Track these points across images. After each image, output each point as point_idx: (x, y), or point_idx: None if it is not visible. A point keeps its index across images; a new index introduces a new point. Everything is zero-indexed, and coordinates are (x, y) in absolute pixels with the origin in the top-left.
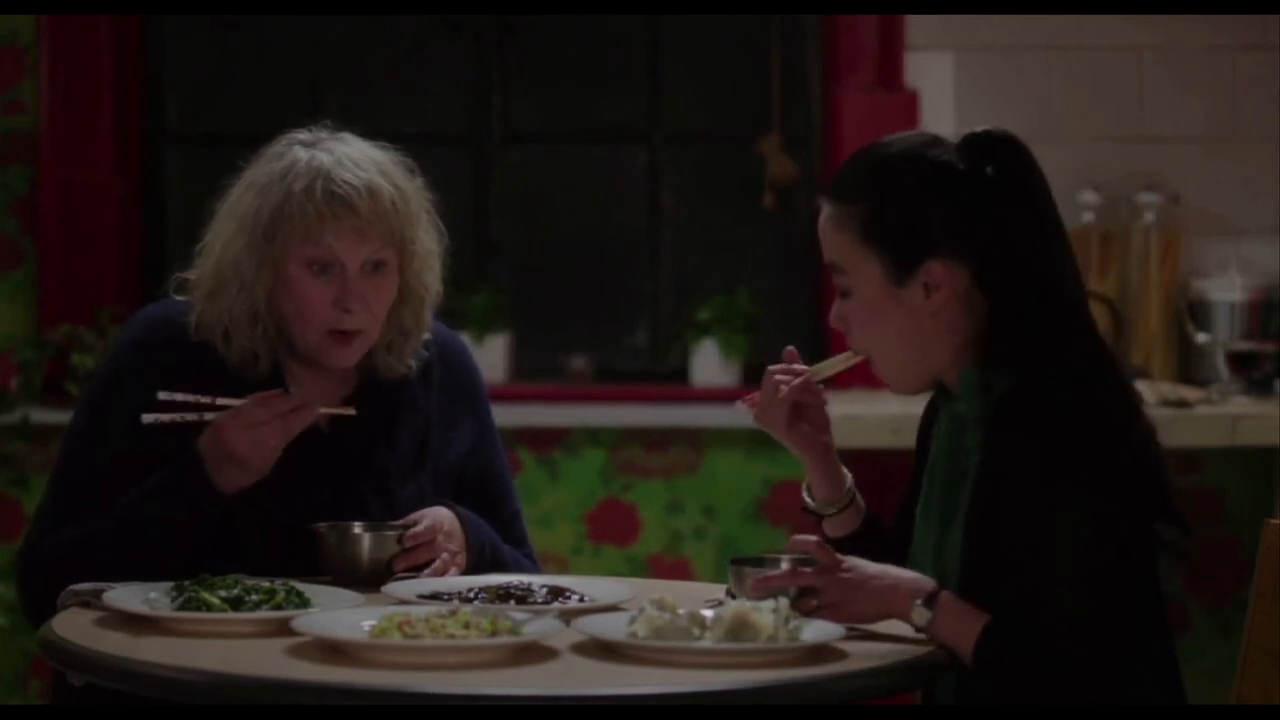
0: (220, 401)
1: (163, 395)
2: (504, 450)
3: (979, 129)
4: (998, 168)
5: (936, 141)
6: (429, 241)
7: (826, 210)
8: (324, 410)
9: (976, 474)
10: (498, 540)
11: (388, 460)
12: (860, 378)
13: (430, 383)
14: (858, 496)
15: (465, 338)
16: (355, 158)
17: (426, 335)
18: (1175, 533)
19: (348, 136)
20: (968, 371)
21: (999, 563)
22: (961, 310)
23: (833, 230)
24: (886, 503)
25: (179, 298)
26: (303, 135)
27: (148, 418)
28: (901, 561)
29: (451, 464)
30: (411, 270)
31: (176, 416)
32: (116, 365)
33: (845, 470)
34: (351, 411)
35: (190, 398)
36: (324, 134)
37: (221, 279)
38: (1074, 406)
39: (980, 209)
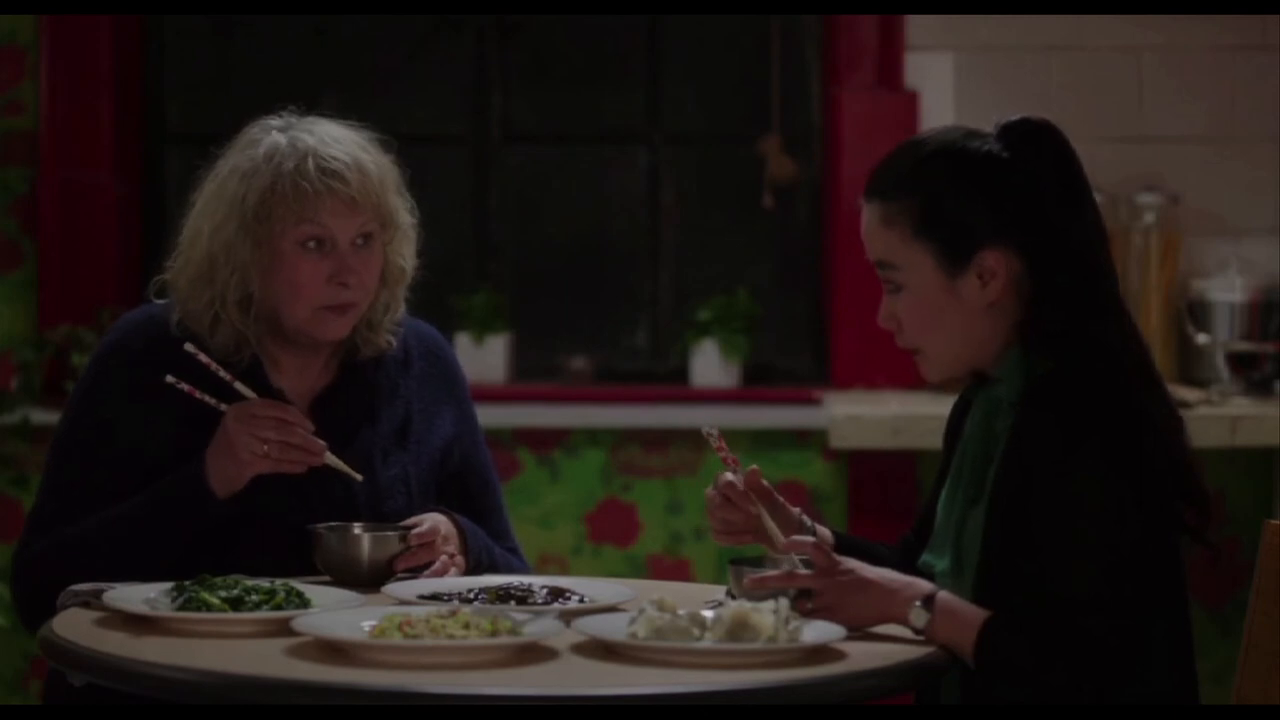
0: (238, 385)
1: (170, 379)
2: (486, 445)
3: (1014, 117)
4: (1040, 155)
5: (974, 134)
6: (406, 215)
7: (872, 209)
8: (330, 463)
9: (1003, 452)
10: (494, 547)
11: (370, 439)
12: (860, 377)
13: (410, 370)
14: (817, 527)
15: (465, 338)
16: (336, 135)
17: (401, 313)
18: (1199, 519)
19: (318, 119)
20: (1010, 353)
21: (1019, 542)
22: (1012, 297)
23: (882, 228)
24: (886, 502)
25: (159, 300)
26: (274, 121)
27: (170, 379)
28: (916, 557)
29: (434, 449)
30: (392, 246)
31: (195, 391)
32: (99, 369)
33: (795, 511)
34: (358, 477)
35: (211, 362)
36: (294, 118)
37: (213, 264)
38: (1103, 392)
39: (1028, 197)
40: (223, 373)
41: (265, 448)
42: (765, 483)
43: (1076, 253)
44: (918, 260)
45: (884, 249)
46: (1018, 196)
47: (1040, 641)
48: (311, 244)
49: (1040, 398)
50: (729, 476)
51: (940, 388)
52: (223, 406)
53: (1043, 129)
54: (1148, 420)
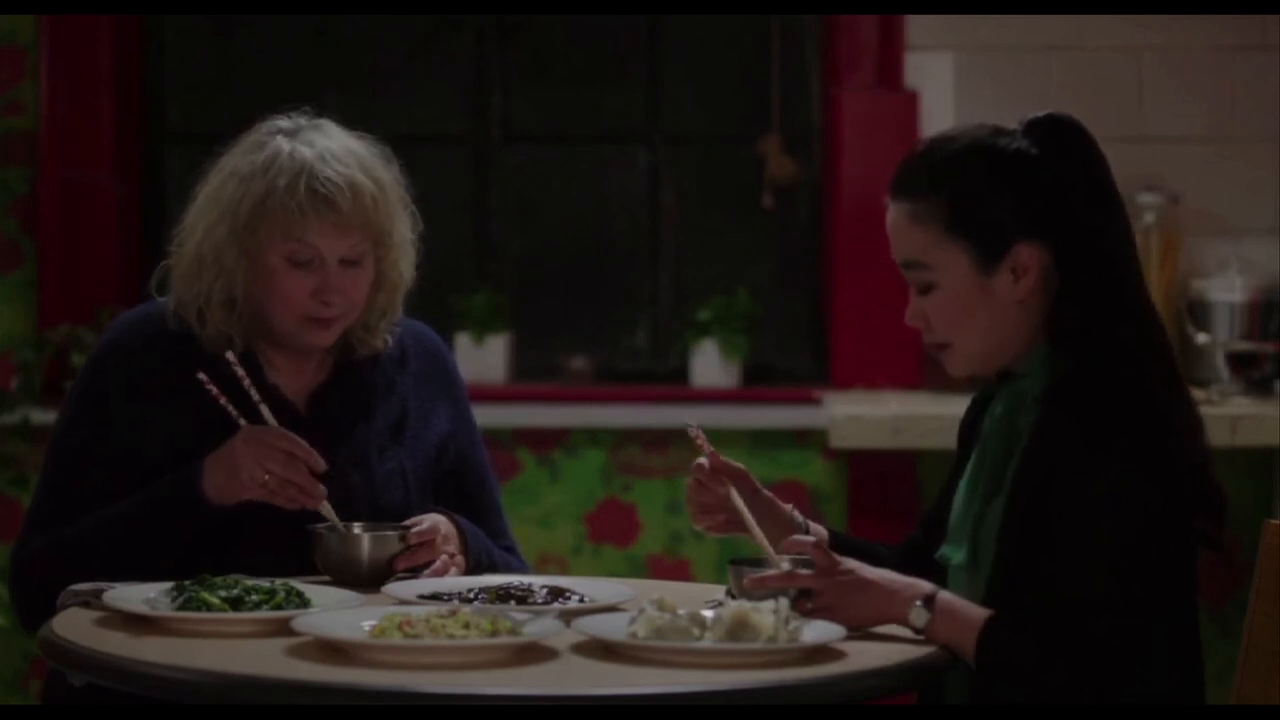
0: (263, 408)
1: (201, 376)
2: (484, 445)
3: (1040, 114)
4: (1068, 152)
5: (1000, 130)
6: (405, 230)
7: (900, 208)
8: (323, 512)
9: (1024, 448)
10: (493, 547)
11: (366, 435)
12: (860, 377)
13: (407, 367)
14: (811, 525)
15: (465, 338)
16: (336, 151)
17: (399, 317)
18: (1213, 526)
19: (326, 125)
20: (1037, 350)
21: (1037, 538)
22: (1041, 293)
23: (911, 226)
24: (886, 502)
25: (159, 298)
26: (283, 123)
27: (201, 376)
28: (922, 555)
29: (429, 444)
30: (389, 260)
31: (222, 396)
32: (96, 368)
33: (787, 507)
34: (341, 527)
35: (245, 377)
36: (303, 121)
37: (201, 262)
38: (1128, 393)
39: (1056, 193)
40: (254, 392)
41: (267, 478)
42: (737, 464)
43: (1103, 250)
44: (951, 259)
45: (914, 249)
46: (1046, 193)
47: (1041, 642)
48: (296, 260)
49: (1064, 395)
50: (700, 460)
51: (942, 387)
52: (243, 421)
53: (1069, 126)
54: (1171, 423)
